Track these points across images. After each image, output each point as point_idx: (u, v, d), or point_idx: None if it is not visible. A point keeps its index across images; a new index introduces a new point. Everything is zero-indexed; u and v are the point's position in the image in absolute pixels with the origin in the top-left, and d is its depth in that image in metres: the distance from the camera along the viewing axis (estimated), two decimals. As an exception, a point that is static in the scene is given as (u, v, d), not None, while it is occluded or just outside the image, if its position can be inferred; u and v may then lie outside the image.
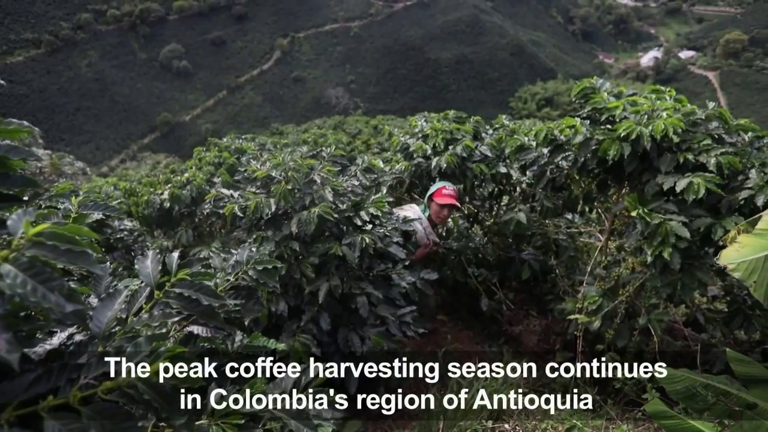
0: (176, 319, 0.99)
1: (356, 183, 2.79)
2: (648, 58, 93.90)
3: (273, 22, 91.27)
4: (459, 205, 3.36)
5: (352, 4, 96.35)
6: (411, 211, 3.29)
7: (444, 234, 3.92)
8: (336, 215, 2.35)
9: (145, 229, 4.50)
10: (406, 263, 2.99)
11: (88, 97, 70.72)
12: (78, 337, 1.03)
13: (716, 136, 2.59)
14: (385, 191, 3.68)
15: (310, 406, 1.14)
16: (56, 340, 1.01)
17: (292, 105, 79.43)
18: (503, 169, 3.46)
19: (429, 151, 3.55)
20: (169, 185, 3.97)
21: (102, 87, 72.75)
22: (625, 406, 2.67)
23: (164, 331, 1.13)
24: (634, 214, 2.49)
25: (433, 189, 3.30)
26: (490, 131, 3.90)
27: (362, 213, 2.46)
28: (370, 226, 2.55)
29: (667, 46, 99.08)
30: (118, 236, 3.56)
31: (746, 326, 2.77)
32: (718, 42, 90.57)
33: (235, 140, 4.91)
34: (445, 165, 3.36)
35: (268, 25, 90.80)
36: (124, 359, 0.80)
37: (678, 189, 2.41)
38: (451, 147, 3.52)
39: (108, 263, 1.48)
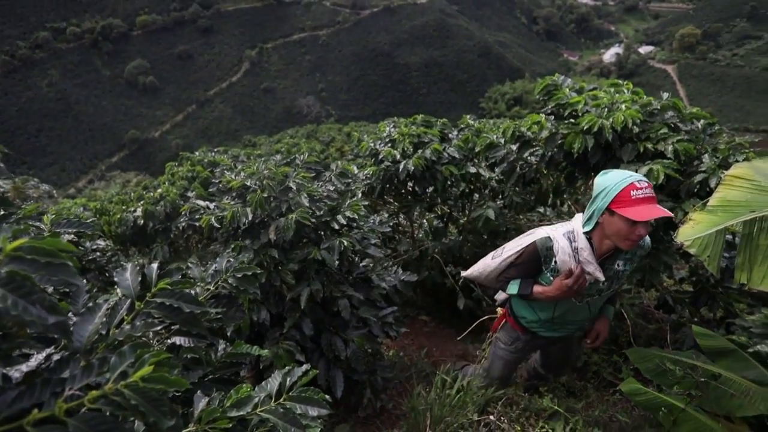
0: (159, 328, 1.00)
1: (331, 188, 2.82)
2: (610, 55, 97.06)
3: (240, 33, 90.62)
4: (666, 212, 1.72)
5: (318, 13, 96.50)
6: (559, 228, 2.07)
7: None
8: (313, 220, 2.38)
9: (119, 248, 4.42)
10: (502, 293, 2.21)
11: (51, 117, 68.72)
12: (56, 357, 1.03)
13: (672, 125, 2.73)
14: (359, 195, 3.72)
15: (297, 407, 1.16)
16: (33, 362, 1.01)
17: (263, 116, 78.90)
18: (473, 169, 3.53)
19: (398, 156, 3.59)
20: (142, 202, 3.92)
21: (65, 106, 70.82)
22: (603, 388, 2.77)
23: (147, 340, 1.14)
24: (600, 203, 2.59)
25: (612, 188, 1.83)
26: (456, 132, 3.98)
27: (339, 217, 2.48)
28: (347, 230, 2.58)
29: (627, 42, 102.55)
30: (91, 257, 3.49)
31: (711, 304, 2.91)
32: (673, 37, 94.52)
33: (207, 153, 4.87)
34: (413, 168, 3.40)
35: (234, 37, 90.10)
36: (109, 368, 0.81)
37: (640, 177, 2.52)
38: (419, 150, 3.58)
39: (84, 281, 1.47)
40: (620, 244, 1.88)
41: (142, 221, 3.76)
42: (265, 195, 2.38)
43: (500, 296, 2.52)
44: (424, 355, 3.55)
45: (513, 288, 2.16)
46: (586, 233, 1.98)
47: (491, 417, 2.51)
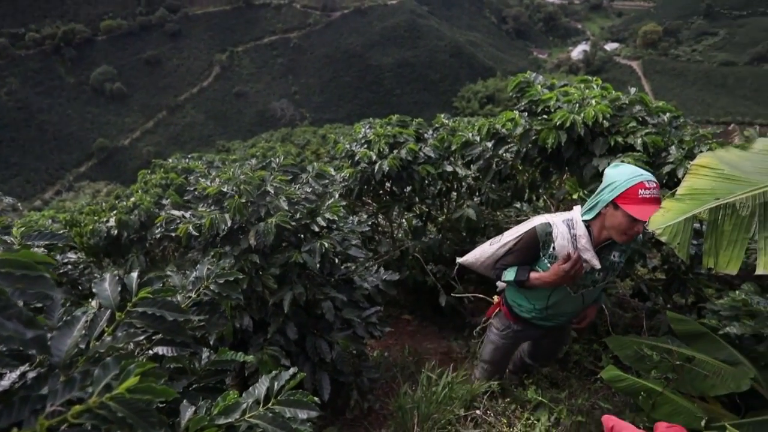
0: (142, 338, 0.98)
1: (309, 190, 2.81)
2: (578, 52, 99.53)
3: (209, 37, 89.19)
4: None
5: (289, 15, 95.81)
6: (558, 216, 2.10)
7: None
8: (293, 223, 2.36)
9: (92, 260, 4.29)
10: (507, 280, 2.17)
11: (12, 127, 66.19)
12: (32, 374, 1.00)
13: (640, 119, 2.81)
14: (337, 197, 3.71)
15: (286, 411, 1.16)
16: (6, 381, 0.97)
17: (236, 121, 77.81)
18: (449, 168, 3.56)
19: (374, 157, 3.58)
20: (115, 211, 3.81)
21: (27, 115, 68.31)
22: (585, 377, 2.83)
23: (130, 351, 1.11)
24: (575, 196, 2.66)
25: (621, 183, 1.84)
26: (431, 132, 4.01)
27: (319, 219, 2.47)
28: (327, 232, 2.57)
29: (593, 39, 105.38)
30: (62, 270, 3.38)
31: (682, 290, 3.01)
32: (637, 34, 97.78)
33: (181, 160, 4.78)
34: (387, 168, 3.40)
35: (204, 41, 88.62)
36: (92, 382, 0.79)
37: (611, 170, 2.59)
38: (395, 151, 3.59)
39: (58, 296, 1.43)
40: (617, 237, 1.91)
41: (116, 231, 3.66)
42: (243, 200, 2.36)
43: (501, 284, 2.52)
44: (408, 353, 3.57)
45: (509, 275, 2.17)
46: (585, 221, 2.01)
47: (477, 411, 2.54)
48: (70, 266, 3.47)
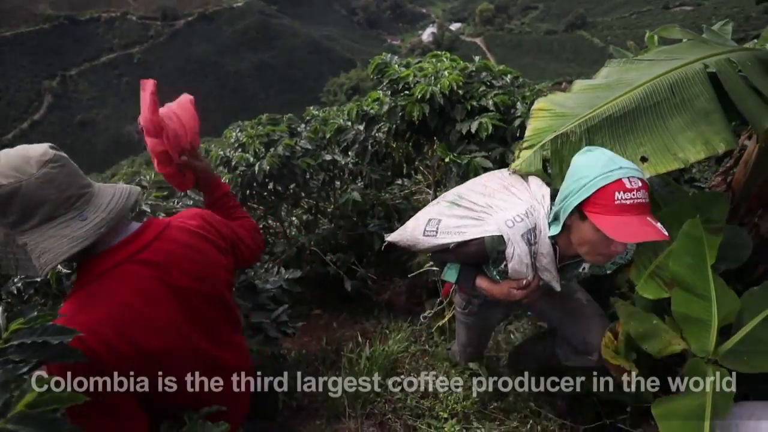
0: (25, 369, 0.87)
1: (190, 203, 2.67)
2: (427, 35, 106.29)
3: (30, 63, 77.55)
4: (663, 234, 1.27)
5: (125, 29, 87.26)
6: (519, 224, 1.55)
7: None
8: (177, 238, 2.23)
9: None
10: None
11: None
12: None
13: (488, 83, 3.15)
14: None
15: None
16: None
17: (86, 153, 69.09)
18: (328, 157, 3.62)
19: (251, 159, 3.50)
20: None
21: None
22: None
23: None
24: (447, 160, 2.89)
25: (591, 181, 1.33)
26: (304, 125, 4.03)
27: (205, 228, 2.37)
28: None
29: (438, 21, 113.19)
30: None
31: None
32: (475, 13, 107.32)
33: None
34: (268, 167, 3.35)
35: (24, 68, 76.84)
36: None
37: (473, 130, 2.89)
38: (272, 149, 3.54)
39: None
40: (587, 257, 1.45)
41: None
42: (115, 223, 2.16)
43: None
44: (326, 344, 3.59)
45: (450, 275, 1.79)
46: (551, 237, 1.53)
47: (401, 377, 2.68)
48: None
